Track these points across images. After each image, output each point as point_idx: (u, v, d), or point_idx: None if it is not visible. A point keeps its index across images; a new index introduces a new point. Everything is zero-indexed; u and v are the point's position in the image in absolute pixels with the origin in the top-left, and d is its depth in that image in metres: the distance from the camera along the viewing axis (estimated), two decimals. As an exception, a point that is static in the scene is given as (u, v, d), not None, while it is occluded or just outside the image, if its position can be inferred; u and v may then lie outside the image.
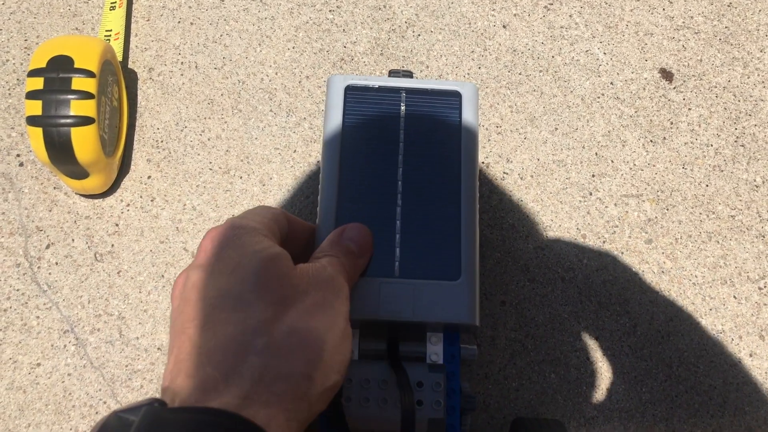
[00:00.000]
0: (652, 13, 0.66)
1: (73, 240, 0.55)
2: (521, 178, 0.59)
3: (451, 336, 0.47)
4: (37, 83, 0.50)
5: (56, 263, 0.55)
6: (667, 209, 0.58)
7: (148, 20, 0.64)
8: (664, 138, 0.61)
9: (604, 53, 0.64)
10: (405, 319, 0.45)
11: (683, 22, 0.66)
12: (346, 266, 0.36)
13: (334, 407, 0.43)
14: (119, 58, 0.60)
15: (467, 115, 0.50)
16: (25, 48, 0.62)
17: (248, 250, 0.30)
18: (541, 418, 0.50)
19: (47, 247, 0.55)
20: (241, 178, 0.58)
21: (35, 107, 0.49)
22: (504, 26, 0.65)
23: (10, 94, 0.60)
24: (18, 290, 0.54)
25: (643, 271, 0.56)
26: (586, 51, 0.64)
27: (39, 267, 0.55)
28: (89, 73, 0.50)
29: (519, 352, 0.54)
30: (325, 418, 0.44)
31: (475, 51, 0.64)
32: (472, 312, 0.45)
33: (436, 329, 0.47)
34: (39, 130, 0.49)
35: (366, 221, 0.47)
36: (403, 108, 0.50)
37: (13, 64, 0.61)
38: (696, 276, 0.56)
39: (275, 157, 0.59)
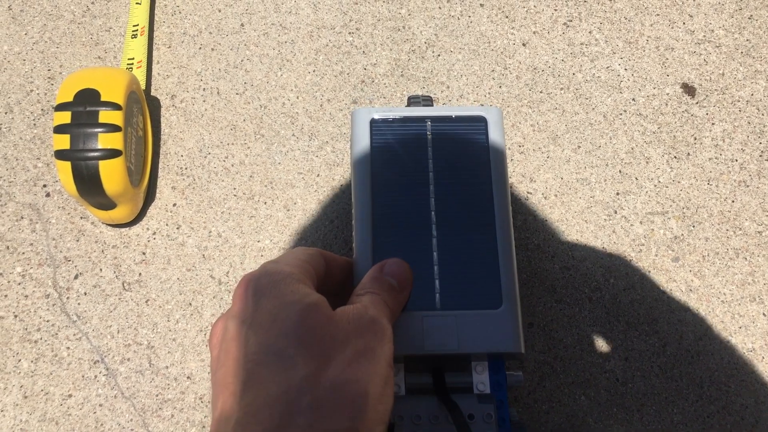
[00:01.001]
0: (672, 28, 0.66)
1: (101, 270, 0.56)
2: (545, 198, 0.59)
3: (496, 364, 0.47)
4: (65, 117, 0.50)
5: (85, 293, 0.55)
6: (693, 226, 0.58)
7: (169, 47, 0.64)
8: (688, 154, 0.61)
9: (625, 69, 0.64)
10: (451, 352, 0.45)
11: (704, 36, 0.66)
12: (388, 303, 0.36)
13: None
14: (142, 86, 0.60)
15: (494, 140, 0.50)
16: (49, 78, 0.62)
17: (285, 300, 0.30)
18: None
19: (75, 277, 0.56)
20: (265, 203, 0.58)
21: (63, 141, 0.50)
22: (524, 44, 0.65)
23: (35, 124, 0.60)
24: (48, 321, 0.54)
25: (670, 289, 0.56)
26: (607, 67, 0.64)
27: (68, 297, 0.55)
28: (116, 106, 0.51)
29: (548, 374, 0.53)
30: None
31: (496, 70, 0.64)
32: (517, 340, 0.45)
33: (480, 358, 0.47)
34: (68, 164, 0.50)
35: (403, 254, 0.47)
36: (429, 137, 0.50)
37: (37, 94, 0.62)
38: (724, 294, 0.56)
39: (299, 181, 0.59)
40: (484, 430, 0.44)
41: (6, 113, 0.61)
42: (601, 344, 0.54)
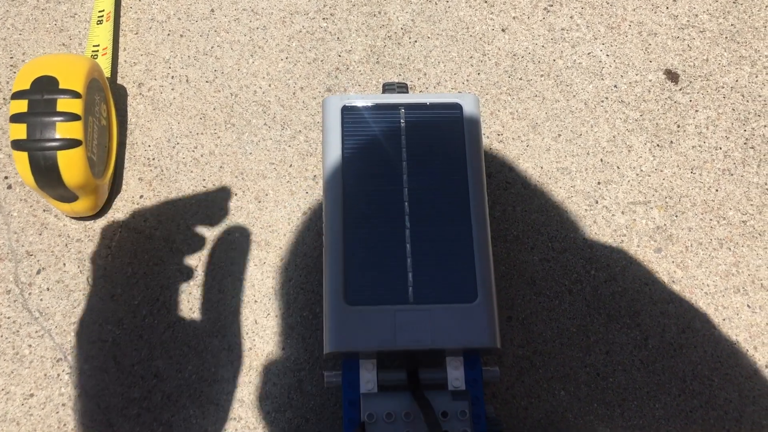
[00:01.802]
0: (655, 12, 0.64)
1: (64, 264, 0.54)
2: (524, 188, 0.57)
3: (472, 359, 0.45)
4: (22, 106, 0.48)
5: (48, 289, 0.53)
6: (676, 216, 0.56)
7: (136, 33, 0.62)
8: (671, 142, 0.59)
9: (607, 55, 0.62)
10: (424, 347, 0.43)
11: (688, 21, 0.64)
12: None
13: None
14: (107, 74, 0.58)
15: (470, 128, 0.49)
16: (11, 66, 0.60)
17: None
18: None
19: (38, 272, 0.54)
20: (236, 195, 0.56)
21: (20, 131, 0.47)
22: (503, 30, 0.63)
23: (-4, 114, 0.58)
24: (9, 318, 0.52)
25: (653, 281, 0.55)
26: (588, 53, 0.62)
27: (30, 293, 0.53)
28: (75, 94, 0.48)
29: (527, 369, 0.52)
30: None
31: (474, 56, 0.62)
32: (493, 334, 0.44)
33: (455, 353, 0.45)
34: (24, 155, 0.47)
35: (374, 245, 0.45)
36: (403, 125, 0.49)
37: (-1, 83, 0.59)
38: (708, 285, 0.54)
39: (270, 172, 0.57)
40: (458, 427, 0.43)
41: (-34, 103, 0.58)
42: (582, 338, 0.53)
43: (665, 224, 0.56)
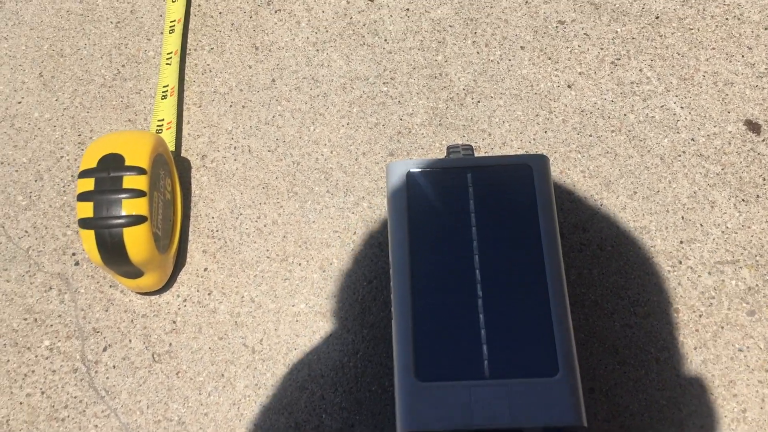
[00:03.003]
0: (730, 61, 0.61)
1: (130, 341, 0.53)
2: (600, 249, 0.54)
3: None
4: (88, 184, 0.48)
5: (114, 366, 0.52)
6: (769, 276, 0.52)
7: (199, 106, 0.62)
8: (758, 196, 0.55)
9: (682, 107, 0.60)
10: (504, 426, 0.40)
11: (766, 69, 0.61)
12: None
13: None
14: (171, 147, 0.58)
15: (541, 189, 0.46)
16: (79, 143, 0.61)
17: None
18: None
19: (104, 349, 0.53)
20: (299, 265, 0.55)
21: (87, 209, 0.48)
22: (569, 86, 0.61)
23: (64, 191, 0.59)
24: (75, 397, 0.51)
25: (748, 347, 0.50)
26: (662, 106, 0.60)
27: (96, 371, 0.52)
28: (140, 170, 0.48)
29: (614, 446, 0.48)
30: None
31: (540, 114, 0.60)
32: (577, 411, 0.41)
33: None
34: (91, 233, 0.47)
35: (445, 316, 0.43)
36: (471, 189, 0.47)
37: (67, 160, 0.60)
38: (810, 351, 0.50)
39: (334, 240, 0.56)
40: None
41: (36, 181, 0.59)
42: (673, 411, 0.49)
43: (757, 285, 0.52)
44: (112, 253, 0.48)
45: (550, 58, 0.63)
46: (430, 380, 0.41)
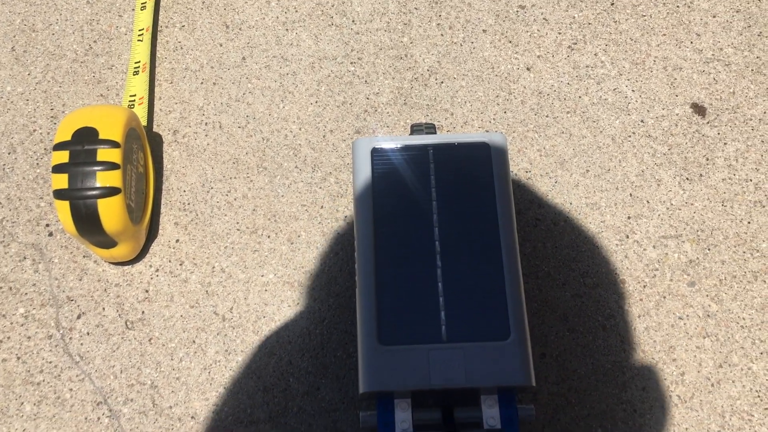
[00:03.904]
0: (679, 47, 0.65)
1: (103, 309, 0.55)
2: (554, 224, 0.58)
3: (507, 397, 0.45)
4: (63, 156, 0.50)
5: (88, 333, 0.54)
6: (709, 249, 0.56)
7: (171, 83, 0.64)
8: (701, 175, 0.59)
9: (633, 90, 0.63)
10: (459, 386, 0.43)
11: (713, 55, 0.64)
12: None
13: None
14: (144, 122, 0.60)
15: (498, 167, 0.49)
16: (52, 117, 0.62)
17: None
18: None
19: (78, 317, 0.55)
20: (269, 237, 0.58)
21: (62, 180, 0.49)
22: (528, 68, 0.64)
23: (38, 164, 0.60)
24: (51, 362, 0.53)
25: (687, 315, 0.54)
26: (614, 89, 0.63)
27: (71, 338, 0.54)
28: (114, 144, 0.50)
29: (562, 406, 0.52)
30: None
31: (500, 95, 0.63)
32: (527, 372, 0.44)
33: (490, 392, 0.45)
34: (66, 204, 0.49)
35: (406, 285, 0.46)
36: (432, 165, 0.49)
37: (40, 134, 0.62)
38: (744, 318, 0.54)
39: (302, 214, 0.58)
40: (494, 467, 0.42)
41: (9, 153, 0.61)
42: (617, 374, 0.52)
43: (698, 258, 0.56)
44: (87, 223, 0.50)
45: (510, 42, 0.66)
46: (391, 344, 0.44)
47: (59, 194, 0.49)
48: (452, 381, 0.44)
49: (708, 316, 0.54)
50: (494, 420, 0.45)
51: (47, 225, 0.58)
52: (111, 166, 0.50)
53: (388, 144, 0.50)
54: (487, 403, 0.45)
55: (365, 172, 0.50)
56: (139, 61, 0.63)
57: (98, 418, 0.52)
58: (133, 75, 0.62)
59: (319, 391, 0.52)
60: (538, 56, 0.65)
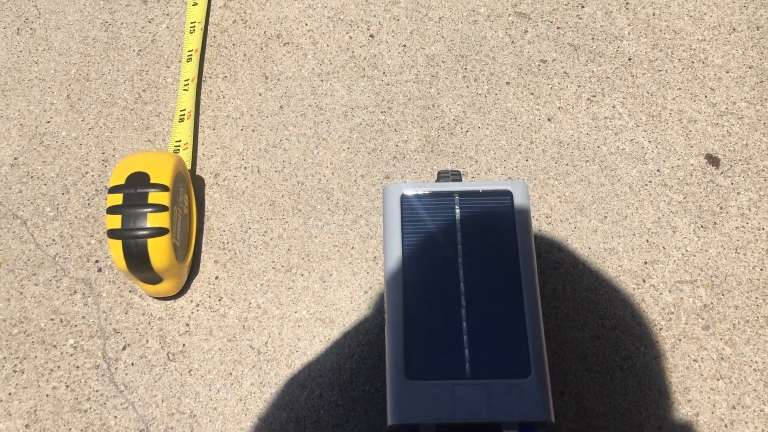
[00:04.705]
0: (694, 101, 0.68)
1: (147, 341, 0.59)
2: (573, 268, 0.60)
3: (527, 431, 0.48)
4: (117, 199, 0.54)
5: (132, 364, 0.58)
6: (723, 294, 0.59)
7: (213, 129, 0.68)
8: (715, 223, 0.62)
9: (649, 141, 0.66)
10: (481, 420, 0.46)
11: (726, 108, 0.68)
12: None
13: None
14: (188, 166, 0.64)
15: (520, 212, 0.52)
16: (103, 160, 0.67)
17: None
18: None
19: (124, 348, 0.58)
20: (302, 275, 0.61)
21: (115, 221, 0.53)
22: (549, 119, 0.68)
23: (89, 204, 0.65)
24: (97, 391, 0.57)
25: (702, 358, 0.56)
26: (631, 140, 0.66)
27: (116, 368, 0.58)
28: (164, 188, 0.54)
29: (581, 443, 0.54)
30: None
31: (522, 144, 0.67)
32: (546, 408, 0.46)
33: (511, 427, 0.48)
34: (119, 242, 0.53)
35: (433, 324, 0.49)
36: (457, 211, 0.53)
37: (92, 176, 0.66)
38: (757, 362, 0.56)
39: (334, 254, 0.62)
40: (515, 499, 0.45)
41: (63, 194, 0.65)
42: (634, 413, 0.55)
43: (712, 302, 0.58)
44: (137, 261, 0.54)
45: (532, 94, 0.70)
46: (418, 379, 0.47)
47: (113, 234, 0.53)
48: (475, 415, 0.46)
49: (722, 359, 0.56)
50: (515, 454, 0.47)
51: (96, 261, 0.62)
52: (160, 208, 0.54)
53: (416, 190, 0.54)
54: (509, 437, 0.48)
55: (395, 216, 0.53)
56: (184, 109, 0.67)
57: (140, 445, 0.55)
58: (179, 122, 0.67)
59: (347, 423, 0.55)
60: (559, 108, 0.69)
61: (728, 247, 0.61)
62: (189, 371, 0.58)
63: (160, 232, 0.54)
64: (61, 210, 0.65)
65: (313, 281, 0.61)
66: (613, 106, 0.68)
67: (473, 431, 0.48)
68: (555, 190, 0.64)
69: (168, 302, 0.60)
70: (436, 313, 0.50)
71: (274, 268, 0.62)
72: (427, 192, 0.54)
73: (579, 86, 0.70)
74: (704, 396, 0.55)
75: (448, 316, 0.50)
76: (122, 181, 0.54)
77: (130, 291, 0.61)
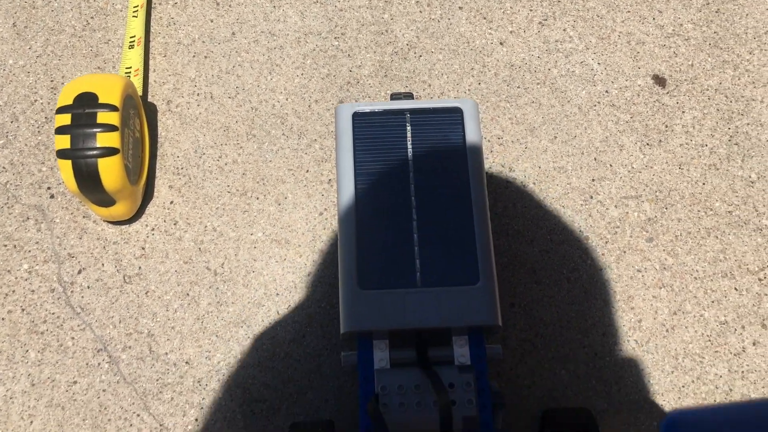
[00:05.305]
0: (642, 23, 0.69)
1: (103, 264, 0.59)
2: (524, 186, 0.62)
3: (476, 338, 0.49)
4: (65, 119, 0.53)
5: (88, 287, 0.58)
6: (666, 208, 0.61)
7: (164, 56, 0.68)
8: (660, 141, 0.63)
9: (599, 63, 0.67)
10: (432, 326, 0.48)
11: (673, 30, 0.69)
12: None
13: (375, 416, 0.45)
14: (139, 92, 0.63)
15: (470, 129, 0.53)
16: (52, 88, 0.66)
17: None
18: (569, 408, 0.52)
19: (79, 272, 0.59)
20: (257, 198, 0.62)
21: (64, 141, 0.53)
22: (501, 43, 0.68)
23: (39, 132, 0.64)
24: (53, 314, 0.57)
25: (645, 268, 0.59)
26: (581, 62, 0.67)
27: (72, 291, 0.58)
28: (113, 108, 0.54)
29: (529, 351, 0.56)
30: (366, 426, 0.47)
31: (475, 68, 0.67)
32: (494, 313, 0.48)
33: (461, 332, 0.50)
34: (68, 163, 0.53)
35: (384, 236, 0.50)
36: (408, 128, 0.53)
37: (41, 103, 0.65)
38: (697, 270, 0.58)
39: (289, 177, 0.62)
40: (464, 396, 0.47)
41: (12, 122, 0.64)
42: (580, 321, 0.57)
43: (656, 216, 0.60)
44: (88, 181, 0.54)
45: (485, 18, 0.70)
46: (370, 288, 0.48)
47: (62, 154, 0.53)
48: (426, 321, 0.48)
49: (664, 268, 0.58)
50: (464, 357, 0.49)
51: (48, 188, 0.62)
52: (110, 128, 0.54)
53: (368, 109, 0.54)
54: (458, 343, 0.50)
55: (347, 134, 0.54)
56: (134, 36, 0.66)
57: (98, 364, 0.56)
58: (129, 48, 0.66)
59: (304, 338, 0.56)
60: (511, 32, 0.69)
61: (672, 163, 0.62)
62: (146, 293, 0.58)
63: (110, 152, 0.53)
64: (11, 138, 0.64)
65: (269, 204, 0.61)
66: (564, 30, 0.69)
67: (424, 338, 0.50)
68: (507, 112, 0.65)
69: (123, 227, 0.60)
70: (387, 226, 0.51)
71: (229, 192, 0.62)
72: (379, 110, 0.54)
73: (531, 10, 0.70)
74: (647, 303, 0.57)
75: (399, 229, 0.51)
76: (70, 101, 0.54)
77: (84, 216, 0.61)
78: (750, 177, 0.62)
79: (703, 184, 0.62)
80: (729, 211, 0.60)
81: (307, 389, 0.55)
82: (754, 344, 0.56)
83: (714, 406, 0.19)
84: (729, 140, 0.63)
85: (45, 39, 0.68)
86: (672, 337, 0.56)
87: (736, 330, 0.56)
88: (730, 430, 0.19)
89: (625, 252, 0.59)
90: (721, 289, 0.58)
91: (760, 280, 0.58)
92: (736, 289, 0.57)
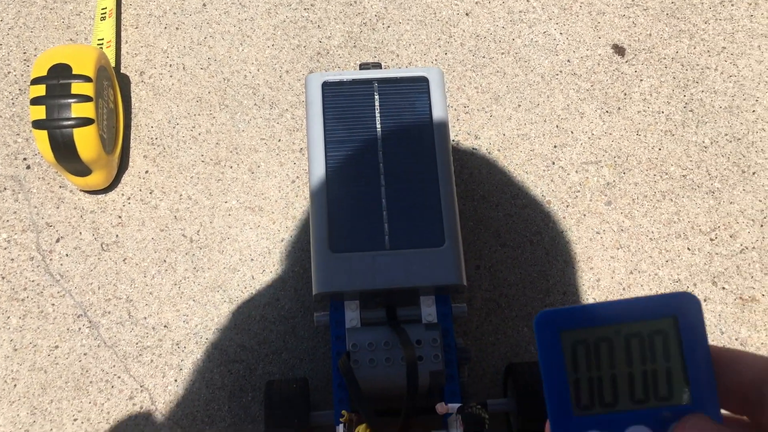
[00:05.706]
0: (603, -6, 0.71)
1: (80, 233, 0.60)
2: (489, 153, 0.64)
3: (443, 297, 0.52)
4: (40, 90, 0.54)
5: (66, 255, 0.60)
6: (624, 173, 0.63)
7: (136, 28, 0.69)
8: (619, 108, 0.66)
9: (561, 33, 0.69)
10: (400, 286, 0.50)
11: (632, 0, 0.71)
12: None
13: (346, 371, 0.48)
14: (112, 64, 0.64)
15: (436, 97, 0.55)
16: (25, 60, 0.67)
17: None
18: (532, 362, 0.55)
19: (57, 240, 0.60)
20: (231, 167, 0.63)
21: (39, 112, 0.54)
22: (467, 14, 0.70)
23: (13, 103, 0.65)
24: (33, 281, 0.59)
25: (604, 230, 0.61)
26: (544, 32, 0.69)
27: (51, 259, 0.60)
28: (87, 78, 0.55)
29: (494, 310, 0.59)
30: (338, 382, 0.49)
31: (441, 38, 0.69)
32: (459, 273, 0.51)
33: (428, 293, 0.52)
34: (44, 133, 0.54)
35: (354, 201, 0.52)
36: (376, 97, 0.55)
37: (14, 75, 0.66)
38: (653, 232, 0.61)
39: (261, 146, 0.64)
40: (430, 352, 0.49)
41: (-15, 94, 0.65)
42: (542, 281, 0.60)
43: (614, 180, 0.63)
44: (64, 151, 0.55)
45: (451, -11, 0.72)
46: (341, 251, 0.51)
47: (37, 124, 0.54)
48: (394, 282, 0.50)
49: (622, 230, 0.61)
50: (431, 316, 0.52)
51: (24, 159, 0.63)
52: (85, 98, 0.55)
53: (337, 78, 0.56)
54: (426, 302, 0.52)
55: (317, 103, 0.55)
56: (105, 8, 0.67)
57: (79, 329, 0.57)
58: (101, 20, 0.67)
59: (278, 301, 0.59)
60: (476, 2, 0.71)
61: (630, 130, 0.65)
62: (123, 260, 0.60)
63: (86, 122, 0.55)
64: (-15, 110, 0.65)
65: (242, 173, 0.63)
66: (527, 0, 0.71)
67: (393, 298, 0.52)
68: (472, 81, 0.67)
69: (99, 196, 0.62)
70: (357, 191, 0.53)
71: (203, 161, 0.64)
72: (347, 79, 0.56)
73: (495, -19, 0.72)
74: (605, 263, 0.60)
75: (368, 194, 0.53)
76: (44, 73, 0.55)
77: (60, 186, 0.62)
78: (704, 142, 0.65)
79: (659, 149, 0.64)
80: (683, 175, 0.63)
81: (282, 350, 0.57)
82: (705, 300, 0.59)
83: (584, 305, 0.23)
84: (684, 107, 0.66)
85: (16, 11, 0.69)
86: (628, 295, 0.59)
87: (688, 287, 0.59)
88: (595, 321, 0.22)
89: (584, 215, 0.62)
90: (674, 249, 0.61)
91: (711, 240, 0.61)
92: (688, 248, 0.61)
